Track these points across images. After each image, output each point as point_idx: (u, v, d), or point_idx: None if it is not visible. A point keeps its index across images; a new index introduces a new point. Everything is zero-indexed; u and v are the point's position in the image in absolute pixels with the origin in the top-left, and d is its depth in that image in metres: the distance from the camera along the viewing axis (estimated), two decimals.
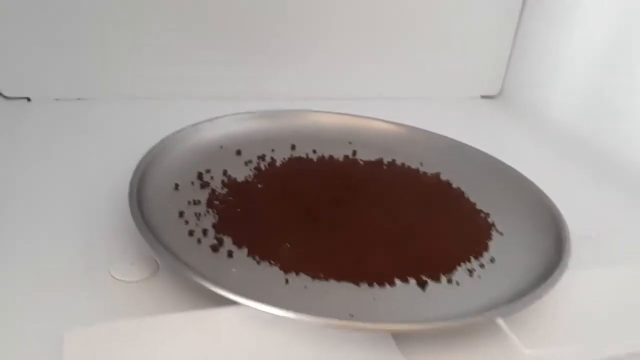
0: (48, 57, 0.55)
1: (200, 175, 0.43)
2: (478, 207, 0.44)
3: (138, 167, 0.40)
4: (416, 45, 0.66)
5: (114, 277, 0.34)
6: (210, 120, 0.48)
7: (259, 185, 0.44)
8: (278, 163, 0.47)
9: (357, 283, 0.34)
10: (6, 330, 0.30)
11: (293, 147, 0.49)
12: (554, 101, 0.65)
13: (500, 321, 0.34)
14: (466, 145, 0.51)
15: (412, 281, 0.35)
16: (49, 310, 0.32)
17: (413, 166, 0.49)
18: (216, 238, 0.37)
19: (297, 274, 0.35)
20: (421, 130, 0.53)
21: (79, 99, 0.57)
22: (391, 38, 0.65)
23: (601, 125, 0.59)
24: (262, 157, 0.47)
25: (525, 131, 0.64)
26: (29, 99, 0.56)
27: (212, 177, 0.43)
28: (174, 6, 0.56)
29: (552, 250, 0.38)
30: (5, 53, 0.53)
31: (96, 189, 0.43)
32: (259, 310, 0.29)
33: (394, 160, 0.49)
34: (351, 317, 0.31)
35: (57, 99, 0.56)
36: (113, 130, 0.53)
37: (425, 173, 0.48)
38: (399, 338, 0.31)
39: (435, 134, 0.52)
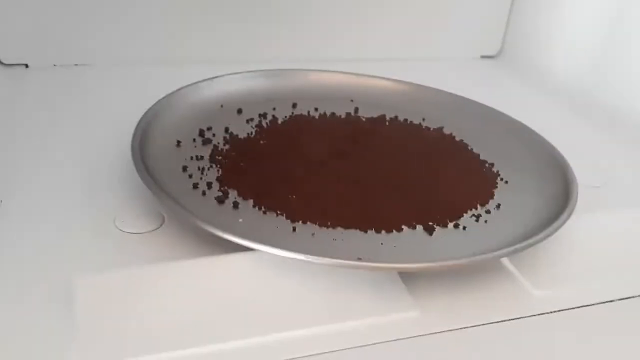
0: (45, 24, 0.54)
1: (201, 132, 0.43)
2: (482, 157, 0.44)
3: (139, 124, 0.40)
4: (414, 6, 0.65)
5: (121, 229, 0.34)
6: (210, 79, 0.48)
7: (262, 141, 0.43)
8: (280, 120, 0.47)
9: (364, 230, 0.34)
10: (16, 280, 0.30)
11: (294, 106, 0.49)
12: (554, 58, 0.64)
13: (507, 263, 0.34)
14: (468, 99, 0.50)
15: (419, 227, 0.35)
16: (60, 261, 0.32)
17: (415, 121, 0.49)
18: (221, 190, 0.37)
19: (303, 222, 0.35)
20: (423, 86, 0.52)
21: (76, 64, 0.56)
22: (391, 0, 0.64)
23: (604, 78, 0.59)
24: (263, 115, 0.47)
25: (527, 88, 0.64)
26: (27, 66, 0.55)
27: (213, 134, 0.43)
28: None
29: (558, 195, 0.38)
30: (3, 20, 0.53)
31: (99, 149, 0.43)
32: (269, 253, 0.29)
33: (396, 117, 0.49)
34: (359, 259, 0.31)
35: (54, 65, 0.56)
36: (112, 94, 0.52)
37: (428, 127, 0.48)
38: (407, 279, 0.31)
39: (436, 89, 0.52)
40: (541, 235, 0.32)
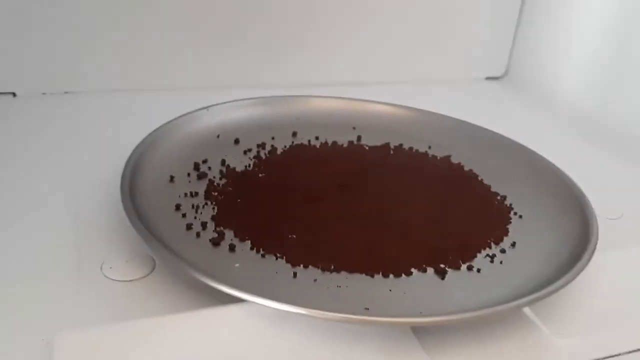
0: (33, 52, 0.52)
1: (196, 166, 0.41)
2: (493, 189, 0.41)
3: (130, 159, 0.38)
4: (418, 28, 0.63)
5: (107, 276, 0.32)
6: (206, 108, 0.46)
7: (260, 175, 0.41)
8: (279, 151, 0.44)
9: (370, 274, 0.32)
10: None
11: (294, 134, 0.47)
12: (560, 80, 0.62)
13: (527, 310, 0.31)
14: (475, 125, 0.48)
15: (430, 270, 0.33)
16: (39, 313, 0.29)
17: (421, 150, 0.46)
18: (216, 231, 0.34)
19: (305, 267, 0.32)
20: (427, 112, 0.50)
21: (66, 92, 0.54)
22: (393, 20, 0.62)
23: (609, 101, 0.57)
24: (262, 146, 0.45)
25: (533, 110, 0.62)
26: (14, 94, 0.53)
27: (209, 168, 0.41)
28: None
29: (577, 231, 0.35)
30: None
31: (86, 184, 0.41)
32: (267, 306, 0.27)
33: (401, 145, 0.47)
34: (366, 310, 0.28)
35: (43, 93, 0.54)
36: (102, 123, 0.50)
37: (434, 156, 0.46)
38: (419, 331, 0.29)
39: (442, 115, 0.50)
40: (561, 280, 0.30)
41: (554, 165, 0.42)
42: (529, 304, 0.29)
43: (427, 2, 0.63)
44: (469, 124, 0.48)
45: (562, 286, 0.30)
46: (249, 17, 0.57)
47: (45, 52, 0.52)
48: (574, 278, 0.30)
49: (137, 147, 0.39)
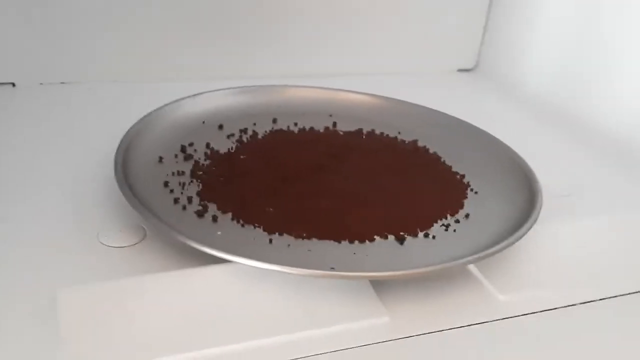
0: (32, 43, 0.55)
1: (183, 148, 0.44)
2: (454, 169, 0.46)
3: (122, 141, 0.42)
4: (392, 21, 0.67)
5: (104, 244, 0.36)
6: (192, 96, 0.49)
7: (242, 156, 0.45)
8: (260, 135, 0.48)
9: (338, 240, 0.36)
10: (1, 294, 0.32)
11: (274, 121, 0.51)
12: (529, 71, 0.67)
13: (474, 270, 0.36)
14: (442, 113, 0.52)
15: (391, 237, 0.37)
16: (43, 276, 0.33)
17: (391, 135, 0.50)
18: (201, 204, 0.38)
19: (280, 234, 0.36)
20: (399, 101, 0.54)
21: (62, 82, 0.58)
22: (367, 15, 0.66)
23: (573, 93, 0.61)
24: (244, 131, 0.48)
25: (501, 101, 0.66)
26: (13, 84, 0.56)
27: (195, 150, 0.45)
28: None
29: (525, 205, 0.39)
30: None
31: (83, 166, 0.44)
32: (246, 265, 0.31)
33: (373, 130, 0.51)
34: (332, 269, 0.32)
35: (41, 83, 0.57)
36: (98, 112, 0.54)
37: (403, 140, 0.50)
38: (378, 287, 0.33)
39: (412, 103, 0.53)
40: (504, 243, 0.34)
41: (510, 148, 0.46)
42: (473, 262, 0.33)
43: None
44: (436, 111, 0.53)
45: (504, 248, 0.34)
46: (234, 14, 0.61)
47: (43, 44, 0.56)
48: (515, 241, 0.34)
49: (128, 131, 0.43)
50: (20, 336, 0.29)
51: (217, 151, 0.45)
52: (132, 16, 0.58)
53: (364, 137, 0.50)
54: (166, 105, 0.48)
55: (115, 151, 0.40)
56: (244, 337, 0.30)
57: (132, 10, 0.57)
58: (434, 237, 0.37)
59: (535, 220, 0.37)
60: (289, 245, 0.35)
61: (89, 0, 0.56)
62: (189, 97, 0.49)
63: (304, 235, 0.36)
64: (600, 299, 0.35)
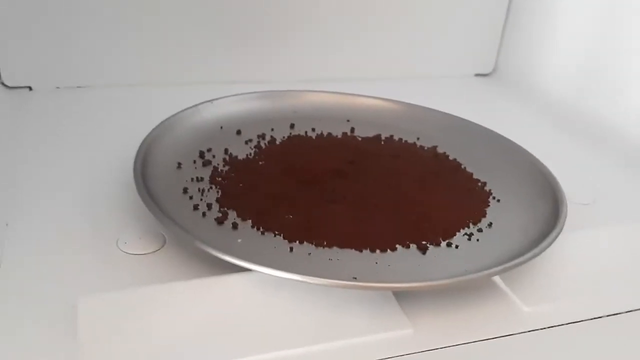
0: (48, 47, 0.55)
1: (202, 154, 0.44)
2: (475, 176, 0.45)
3: (140, 147, 0.41)
4: (409, 26, 0.67)
5: (123, 251, 0.35)
6: (210, 101, 0.49)
7: (260, 162, 0.45)
8: (278, 141, 0.48)
9: (359, 249, 0.35)
10: (21, 300, 0.31)
11: (292, 126, 0.50)
12: (547, 76, 0.66)
13: (498, 281, 0.35)
14: (461, 118, 0.52)
15: (413, 246, 0.36)
16: (63, 283, 0.33)
17: (410, 141, 0.50)
18: (220, 211, 0.38)
19: (300, 242, 0.36)
20: (417, 106, 0.53)
21: (79, 86, 0.58)
22: (384, 19, 0.65)
23: (593, 98, 0.60)
24: (262, 136, 0.48)
25: (520, 106, 0.65)
26: (30, 88, 0.56)
27: (213, 156, 0.44)
28: None
29: (549, 214, 0.39)
30: (7, 43, 0.54)
31: (101, 171, 0.44)
32: (266, 274, 0.30)
33: (391, 136, 0.50)
34: (354, 279, 0.32)
35: (57, 87, 0.57)
36: (114, 116, 0.54)
37: (422, 147, 0.49)
38: (401, 298, 0.33)
39: (431, 109, 0.53)
40: (530, 254, 0.33)
41: (532, 155, 0.46)
42: (498, 273, 0.32)
43: (418, 2, 0.66)
44: (455, 117, 0.52)
45: (529, 259, 0.33)
46: (251, 19, 0.60)
47: (59, 49, 0.56)
48: (541, 252, 0.34)
49: (147, 137, 0.43)
50: (39, 344, 0.29)
51: (236, 157, 0.45)
52: (149, 21, 0.58)
53: (382, 142, 0.50)
54: (184, 110, 0.47)
55: (133, 157, 0.40)
56: (263, 348, 0.29)
57: (149, 15, 0.57)
58: (457, 246, 0.37)
59: (560, 231, 0.36)
60: (309, 253, 0.35)
61: (106, 4, 0.56)
62: (206, 102, 0.49)
63: (325, 243, 0.36)
64: (627, 312, 0.35)
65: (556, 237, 0.35)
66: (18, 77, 0.56)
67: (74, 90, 0.57)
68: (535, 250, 0.34)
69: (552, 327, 0.33)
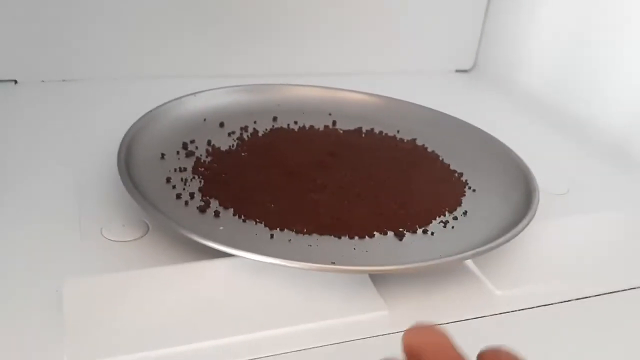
0: (33, 41, 0.56)
1: (185, 145, 0.45)
2: (452, 167, 0.46)
3: (124, 138, 0.42)
4: (391, 23, 0.68)
5: (107, 238, 0.36)
6: (193, 94, 0.50)
7: (243, 154, 0.45)
8: (260, 133, 0.49)
9: (338, 236, 0.37)
10: (8, 284, 0.32)
11: (275, 119, 0.51)
12: (525, 72, 0.67)
13: (472, 266, 0.36)
14: (440, 112, 0.53)
15: (390, 233, 0.37)
16: (49, 269, 0.34)
17: (390, 133, 0.51)
18: (203, 200, 0.39)
19: (281, 229, 0.37)
20: (398, 100, 0.55)
21: (64, 80, 0.58)
22: (367, 16, 0.66)
23: (570, 93, 0.62)
24: (244, 129, 0.49)
25: (499, 101, 0.66)
26: (15, 82, 0.57)
27: (196, 147, 0.45)
28: None
29: (522, 202, 0.40)
30: None
31: (85, 162, 0.45)
32: (248, 259, 0.31)
33: (372, 129, 0.52)
34: (332, 264, 0.33)
35: (43, 81, 0.58)
36: (99, 109, 0.54)
37: (402, 139, 0.50)
38: (377, 282, 0.34)
39: (411, 103, 0.54)
40: (501, 239, 0.35)
41: (507, 147, 0.47)
42: (470, 257, 0.34)
43: None
44: (435, 111, 0.53)
45: (501, 244, 0.34)
46: (235, 13, 0.61)
47: (45, 42, 0.56)
48: (512, 238, 0.35)
49: (131, 128, 0.44)
50: (26, 325, 0.30)
51: (219, 148, 0.45)
52: (134, 14, 0.58)
53: (363, 135, 0.51)
54: (168, 102, 0.48)
55: (117, 148, 0.41)
56: (245, 329, 0.30)
57: (133, 8, 0.58)
58: (432, 233, 0.38)
59: (532, 218, 0.37)
60: (290, 240, 0.36)
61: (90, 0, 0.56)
62: (190, 94, 0.50)
63: (305, 230, 0.37)
64: (596, 295, 0.36)
65: (527, 224, 0.37)
66: (3, 70, 0.56)
67: (59, 83, 0.58)
68: (507, 236, 0.35)
69: (522, 309, 0.34)
